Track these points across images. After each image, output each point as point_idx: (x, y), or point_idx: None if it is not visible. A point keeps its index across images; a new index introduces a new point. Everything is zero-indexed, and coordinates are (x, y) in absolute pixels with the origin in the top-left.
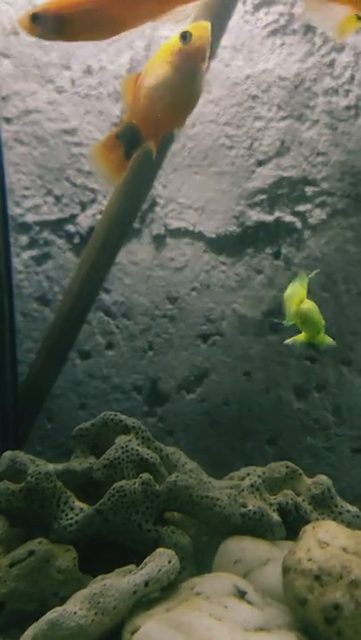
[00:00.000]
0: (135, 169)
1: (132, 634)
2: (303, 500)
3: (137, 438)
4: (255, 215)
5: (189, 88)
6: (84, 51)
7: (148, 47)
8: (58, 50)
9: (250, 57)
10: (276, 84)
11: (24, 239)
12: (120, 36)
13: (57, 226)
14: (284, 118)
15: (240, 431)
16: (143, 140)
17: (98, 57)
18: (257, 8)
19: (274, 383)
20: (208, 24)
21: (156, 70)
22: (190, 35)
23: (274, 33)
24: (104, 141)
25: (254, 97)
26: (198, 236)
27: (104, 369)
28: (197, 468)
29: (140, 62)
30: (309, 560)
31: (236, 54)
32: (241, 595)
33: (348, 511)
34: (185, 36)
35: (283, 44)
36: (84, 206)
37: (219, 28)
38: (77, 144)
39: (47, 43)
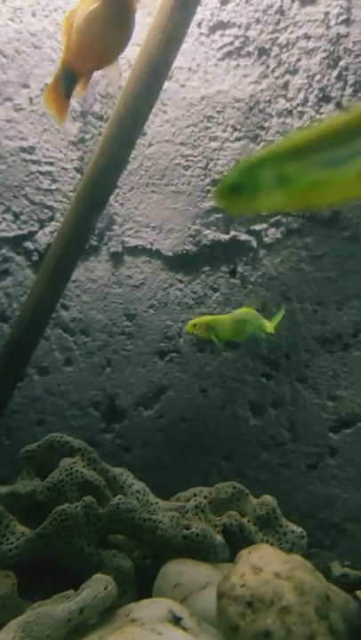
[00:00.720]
0: (90, 187)
1: None
2: (248, 521)
3: (82, 460)
4: (211, 234)
5: (120, 22)
6: (42, 69)
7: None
8: (16, 69)
9: (205, 78)
10: (231, 105)
11: None
12: None
13: (15, 243)
14: (239, 139)
15: (197, 447)
16: (79, 78)
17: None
18: (212, 30)
19: (230, 400)
20: None
21: (87, 3)
22: None
23: (229, 55)
24: (51, 84)
25: (210, 117)
26: (156, 254)
27: (62, 385)
28: (144, 489)
29: (98, 82)
30: (243, 586)
31: (192, 75)
32: (176, 621)
33: (292, 531)
34: None
35: (237, 66)
36: (42, 224)
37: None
38: (35, 162)
39: (5, 61)
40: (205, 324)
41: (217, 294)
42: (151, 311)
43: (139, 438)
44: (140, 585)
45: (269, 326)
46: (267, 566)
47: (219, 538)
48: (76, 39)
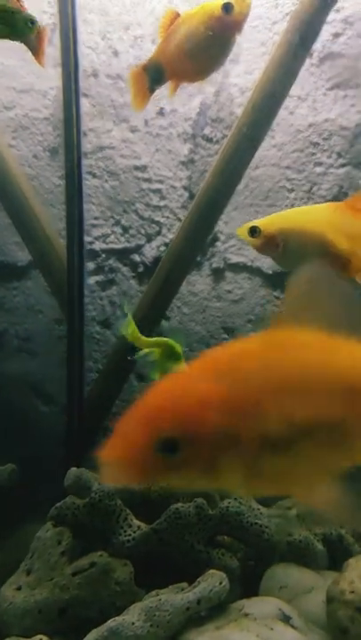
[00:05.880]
0: (201, 206)
1: None
2: (346, 533)
3: None
4: None
5: (216, 51)
6: (157, 93)
7: (218, 93)
8: None
9: (313, 106)
10: (337, 132)
11: (91, 265)
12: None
13: (123, 255)
14: (343, 165)
15: None
16: (166, 79)
17: (170, 100)
18: (322, 61)
19: None
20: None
21: (192, 26)
22: (232, 7)
23: (337, 85)
24: (133, 71)
25: (316, 144)
26: (256, 272)
27: None
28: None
29: (210, 106)
30: (352, 592)
31: (301, 103)
32: (286, 619)
33: None
34: (227, 8)
35: (345, 96)
36: (149, 238)
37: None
38: (147, 180)
39: (123, 85)
40: None
41: None
42: (249, 325)
43: None
44: (244, 585)
45: None
46: None
47: (320, 546)
48: (173, 51)
